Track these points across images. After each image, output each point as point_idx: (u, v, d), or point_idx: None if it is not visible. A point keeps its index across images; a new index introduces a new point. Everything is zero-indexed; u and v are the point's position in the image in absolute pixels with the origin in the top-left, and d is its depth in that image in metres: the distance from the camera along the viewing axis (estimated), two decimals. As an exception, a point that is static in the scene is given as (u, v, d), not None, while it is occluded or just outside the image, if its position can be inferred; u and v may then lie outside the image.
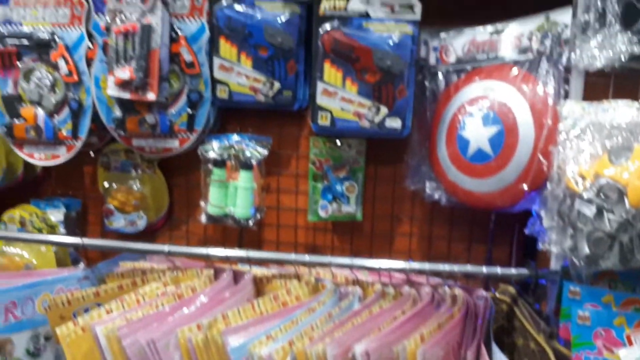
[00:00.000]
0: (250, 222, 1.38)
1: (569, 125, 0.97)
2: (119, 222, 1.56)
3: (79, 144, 1.42)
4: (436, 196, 1.32)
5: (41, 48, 1.36)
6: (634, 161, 0.87)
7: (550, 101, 1.10)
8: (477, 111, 1.18)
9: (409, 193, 1.47)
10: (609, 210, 0.87)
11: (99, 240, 1.37)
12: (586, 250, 0.90)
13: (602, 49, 0.92)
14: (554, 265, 1.12)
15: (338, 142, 1.42)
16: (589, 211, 0.89)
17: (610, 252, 0.88)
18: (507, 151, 1.13)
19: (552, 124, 1.08)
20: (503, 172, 1.14)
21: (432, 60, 1.31)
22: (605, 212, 0.87)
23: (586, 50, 0.96)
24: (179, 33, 1.33)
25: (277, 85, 1.36)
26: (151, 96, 1.28)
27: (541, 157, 1.08)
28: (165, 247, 1.26)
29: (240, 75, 1.35)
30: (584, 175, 0.91)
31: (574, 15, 1.05)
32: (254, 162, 1.37)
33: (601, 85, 1.07)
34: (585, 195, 0.90)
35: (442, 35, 1.29)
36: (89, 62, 1.37)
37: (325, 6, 1.27)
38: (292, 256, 1.23)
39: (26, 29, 1.37)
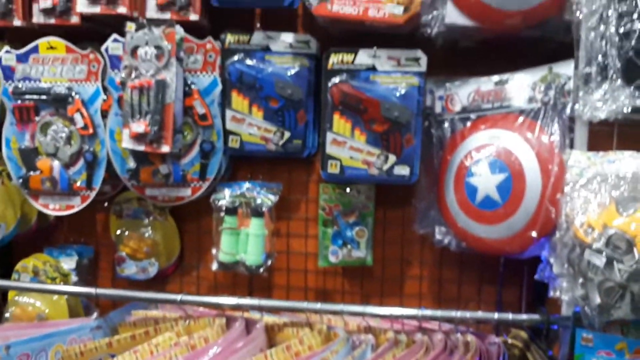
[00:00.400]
0: (262, 270, 1.39)
1: (576, 175, 1.00)
2: (130, 269, 1.57)
3: (93, 194, 1.45)
4: (446, 241, 1.34)
5: (58, 103, 1.41)
6: (641, 212, 0.89)
7: (556, 149, 1.13)
8: (484, 159, 1.21)
9: (418, 236, 1.49)
10: (618, 261, 0.89)
11: (112, 290, 1.39)
12: (598, 300, 0.91)
13: (605, 102, 0.96)
14: (565, 310, 1.13)
15: (348, 190, 1.44)
16: (599, 261, 0.90)
17: (622, 301, 0.89)
18: (515, 198, 1.15)
19: (559, 172, 1.11)
20: (512, 219, 1.16)
21: (438, 108, 1.35)
22: (615, 263, 0.89)
23: (589, 102, 0.99)
24: (193, 87, 1.38)
25: (287, 134, 1.40)
26: (165, 149, 1.31)
27: (549, 205, 1.09)
28: (178, 297, 1.27)
29: (251, 126, 1.39)
30: (593, 226, 0.93)
31: (576, 67, 1.09)
32: (264, 209, 1.40)
33: (605, 133, 1.10)
34: (595, 246, 0.91)
35: (448, 85, 1.33)
36: (103, 113, 1.42)
37: (333, 60, 1.31)
38: (304, 304, 1.23)
39: (44, 84, 1.42)
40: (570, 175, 1.00)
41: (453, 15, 1.22)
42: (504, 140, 1.19)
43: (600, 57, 0.98)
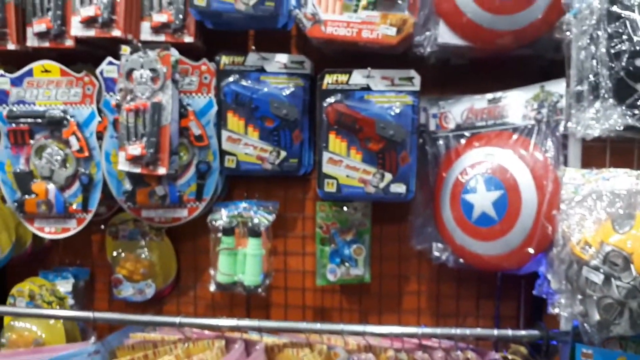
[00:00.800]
0: (260, 290, 1.39)
1: (571, 192, 1.01)
2: (127, 290, 1.56)
3: (89, 217, 1.44)
4: (443, 258, 1.34)
5: (53, 126, 1.40)
6: (637, 229, 0.90)
7: (551, 166, 1.15)
8: (479, 176, 1.22)
9: (415, 252, 1.49)
10: (616, 278, 0.90)
11: (110, 313, 1.38)
12: (597, 316, 0.92)
13: (598, 120, 0.97)
14: (564, 325, 1.13)
15: (345, 208, 1.45)
16: (597, 278, 0.91)
17: (621, 318, 0.89)
18: (512, 215, 1.17)
19: (554, 189, 1.12)
20: (509, 236, 1.17)
21: (432, 126, 1.36)
22: (613, 279, 0.90)
23: (582, 120, 1.01)
24: (188, 108, 1.38)
25: (283, 154, 1.40)
26: (162, 171, 1.31)
27: (545, 222, 1.11)
28: (177, 319, 1.27)
29: (247, 146, 1.40)
30: (589, 243, 0.94)
31: (568, 85, 1.11)
32: (262, 228, 1.40)
33: (598, 149, 1.11)
34: (592, 263, 0.92)
35: (441, 103, 1.35)
36: (99, 135, 1.42)
37: (328, 81, 1.32)
38: (304, 325, 1.23)
39: (39, 107, 1.41)
40: (566, 193, 1.02)
41: (445, 36, 1.24)
42: (498, 158, 1.20)
43: (591, 76, 1.00)
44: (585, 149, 1.10)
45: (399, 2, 1.22)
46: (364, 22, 1.23)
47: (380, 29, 1.22)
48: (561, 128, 1.13)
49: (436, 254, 1.35)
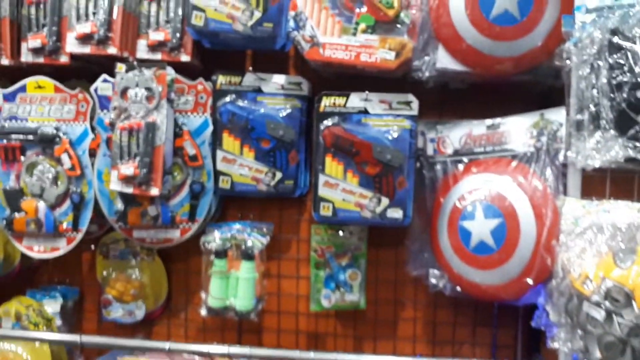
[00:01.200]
0: (252, 315, 1.36)
1: (570, 223, 0.99)
2: (117, 312, 1.52)
3: (79, 236, 1.41)
4: (440, 285, 1.32)
5: (45, 143, 1.38)
6: (639, 264, 0.88)
7: (550, 195, 1.13)
8: (477, 203, 1.20)
9: (411, 277, 1.46)
10: (618, 314, 0.87)
11: (98, 337, 1.34)
12: (598, 354, 0.89)
13: (599, 151, 0.96)
14: (563, 359, 1.11)
15: (340, 232, 1.42)
16: (598, 314, 0.89)
17: (623, 356, 0.87)
18: (510, 244, 1.14)
19: (553, 218, 1.10)
20: (507, 265, 1.15)
21: (429, 150, 1.35)
22: (614, 316, 0.87)
23: (583, 150, 0.99)
24: (183, 128, 1.36)
25: (278, 175, 1.38)
26: (155, 191, 1.29)
27: (544, 252, 1.08)
28: (166, 345, 1.23)
29: (242, 167, 1.38)
30: (590, 277, 0.92)
31: (568, 113, 1.10)
32: (255, 251, 1.37)
33: (598, 179, 1.09)
34: (593, 298, 0.90)
35: (439, 127, 1.33)
36: (91, 152, 1.39)
37: (325, 103, 1.31)
38: (297, 353, 1.20)
39: (31, 124, 1.39)
40: (565, 224, 1.00)
41: (444, 61, 1.22)
42: (497, 185, 1.19)
43: (592, 106, 0.98)
44: (585, 178, 1.09)
45: (398, 26, 1.21)
46: (363, 46, 1.22)
47: (378, 52, 1.21)
48: (561, 157, 1.11)
49: (433, 281, 1.32)
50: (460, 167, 1.28)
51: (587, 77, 0.98)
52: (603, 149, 0.95)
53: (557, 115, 1.14)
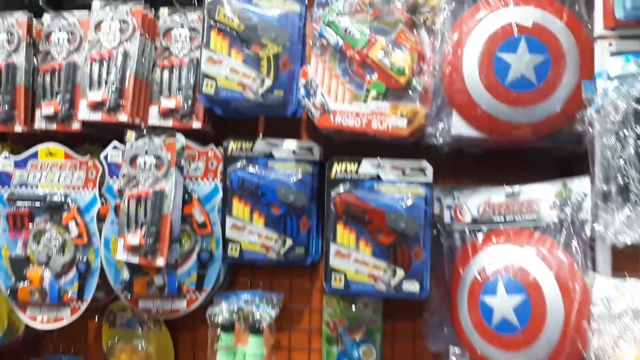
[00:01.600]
0: (260, 395, 1.28)
1: (602, 305, 0.91)
2: (120, 384, 1.45)
3: (84, 306, 1.37)
4: (462, 365, 1.22)
5: (54, 210, 1.36)
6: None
7: (577, 271, 1.05)
8: (498, 277, 1.12)
9: (430, 352, 1.37)
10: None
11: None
12: None
13: (630, 226, 0.89)
14: None
15: (353, 307, 1.35)
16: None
17: None
18: (536, 323, 1.06)
19: (582, 296, 1.02)
20: (533, 347, 1.06)
21: (446, 218, 1.28)
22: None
23: (612, 225, 0.92)
24: (193, 195, 1.33)
25: (289, 242, 1.33)
26: (160, 262, 1.25)
27: (574, 334, 1.00)
28: None
29: (252, 234, 1.33)
30: (628, 369, 0.83)
31: (592, 182, 1.03)
32: (264, 324, 1.30)
33: (630, 255, 1.01)
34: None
35: (456, 193, 1.27)
36: (100, 217, 1.37)
37: (336, 169, 1.27)
38: None
39: (41, 191, 1.38)
40: (597, 307, 0.91)
41: (459, 127, 1.19)
42: (519, 258, 1.11)
43: (619, 177, 0.92)
44: (615, 253, 1.01)
45: (410, 93, 1.18)
46: (374, 113, 1.19)
47: (390, 120, 1.18)
48: (587, 231, 1.04)
49: (453, 359, 1.23)
50: (480, 236, 1.22)
51: (613, 148, 0.93)
52: (635, 224, 0.88)
53: (581, 185, 1.08)
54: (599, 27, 1.07)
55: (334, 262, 1.25)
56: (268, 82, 1.28)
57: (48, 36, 1.42)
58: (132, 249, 1.26)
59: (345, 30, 1.24)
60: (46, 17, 1.44)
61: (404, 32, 1.20)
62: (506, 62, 1.15)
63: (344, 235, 1.25)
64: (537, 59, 1.14)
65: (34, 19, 1.45)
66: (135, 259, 1.27)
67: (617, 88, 0.94)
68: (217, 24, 1.30)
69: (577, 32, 1.14)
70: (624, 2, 0.96)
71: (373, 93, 1.20)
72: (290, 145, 1.35)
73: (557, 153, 1.28)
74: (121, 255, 1.28)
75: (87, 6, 1.42)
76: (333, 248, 1.25)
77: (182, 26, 1.38)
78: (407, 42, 1.20)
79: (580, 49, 1.14)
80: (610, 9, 1.03)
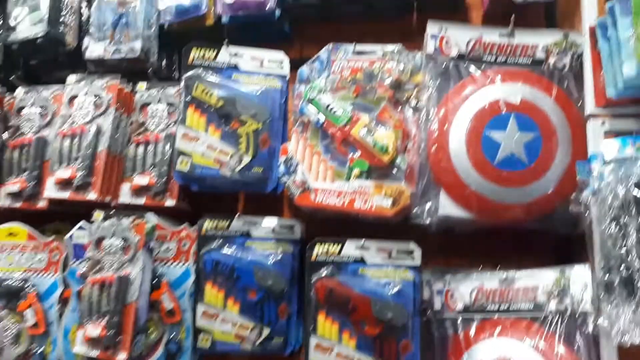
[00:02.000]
0: None
1: (614, 416, 0.80)
2: None
3: (36, 405, 1.23)
4: None
5: (10, 296, 1.26)
6: None
7: (582, 370, 0.95)
8: (497, 375, 1.01)
9: None
10: None
11: None
12: None
13: (638, 324, 0.80)
14: None
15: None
16: None
17: None
18: None
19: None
20: None
21: (437, 304, 1.18)
22: None
23: (617, 323, 0.83)
24: (162, 279, 1.23)
25: (266, 331, 1.22)
26: (122, 357, 1.13)
27: None
28: None
29: (225, 322, 1.22)
30: None
31: (592, 270, 0.95)
32: None
33: (637, 351, 0.92)
34: None
35: (447, 277, 1.18)
36: (65, 300, 1.25)
37: (317, 251, 1.18)
38: None
39: (-1, 274, 1.28)
40: (608, 418, 0.81)
41: (447, 207, 1.12)
42: (518, 354, 1.01)
43: (623, 269, 0.84)
44: (622, 350, 0.91)
45: (394, 171, 1.12)
46: (357, 192, 1.12)
47: (374, 199, 1.11)
48: (590, 325, 0.95)
49: None
50: (473, 326, 1.11)
51: (614, 236, 0.85)
52: (642, 324, 0.79)
53: (580, 274, 1.00)
54: (590, 106, 1.02)
55: (314, 357, 1.14)
56: (246, 159, 1.22)
57: (19, 110, 1.37)
58: (93, 341, 1.15)
59: (327, 107, 1.19)
60: (19, 91, 1.39)
61: (388, 110, 1.16)
62: (495, 140, 1.10)
63: (326, 326, 1.15)
64: (527, 136, 1.09)
65: (6, 93, 1.40)
66: (94, 353, 1.14)
67: (614, 172, 0.88)
68: (195, 100, 1.25)
69: (567, 109, 1.10)
70: (615, 80, 0.92)
71: (356, 171, 1.13)
72: (269, 223, 1.27)
73: (552, 233, 1.20)
74: (79, 348, 1.16)
75: (64, 80, 1.38)
76: (313, 341, 1.14)
77: (160, 101, 1.34)
78: (391, 120, 1.15)
79: (571, 126, 1.09)
80: (601, 87, 0.99)
